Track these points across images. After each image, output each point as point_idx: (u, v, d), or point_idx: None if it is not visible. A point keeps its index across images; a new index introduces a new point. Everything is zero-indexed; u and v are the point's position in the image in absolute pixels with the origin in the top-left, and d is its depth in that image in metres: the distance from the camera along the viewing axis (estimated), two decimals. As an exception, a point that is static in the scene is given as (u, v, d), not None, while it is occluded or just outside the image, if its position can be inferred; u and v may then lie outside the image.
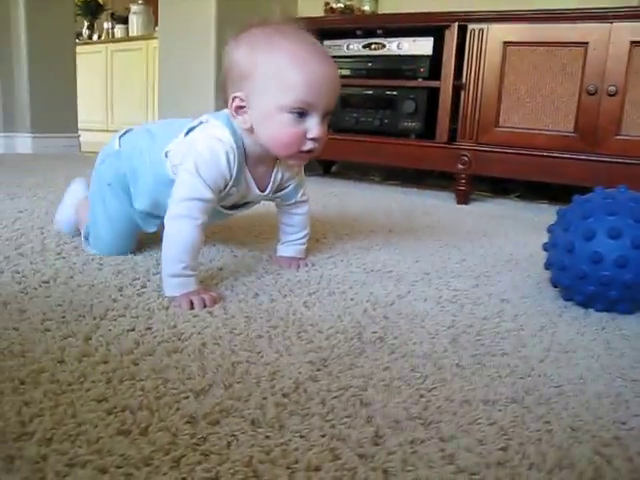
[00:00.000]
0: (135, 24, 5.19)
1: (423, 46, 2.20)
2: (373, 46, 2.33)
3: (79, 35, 5.24)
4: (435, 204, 2.08)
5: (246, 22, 0.90)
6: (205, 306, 0.83)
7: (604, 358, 0.73)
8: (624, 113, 1.90)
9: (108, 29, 5.58)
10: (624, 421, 0.58)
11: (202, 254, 1.10)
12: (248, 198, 1.01)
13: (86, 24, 5.65)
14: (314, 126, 0.86)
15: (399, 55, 2.25)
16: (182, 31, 2.77)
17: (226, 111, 0.92)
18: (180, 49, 2.79)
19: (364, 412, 0.56)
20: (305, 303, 0.87)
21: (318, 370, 0.65)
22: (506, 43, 2.03)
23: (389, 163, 2.33)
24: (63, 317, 0.76)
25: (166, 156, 0.95)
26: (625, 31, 1.85)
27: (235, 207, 1.03)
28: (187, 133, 0.94)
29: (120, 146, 1.04)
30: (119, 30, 5.44)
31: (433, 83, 2.15)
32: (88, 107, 5.04)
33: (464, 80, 2.10)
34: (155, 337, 0.72)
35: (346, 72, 2.38)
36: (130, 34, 5.25)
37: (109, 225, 1.05)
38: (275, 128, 0.87)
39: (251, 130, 0.89)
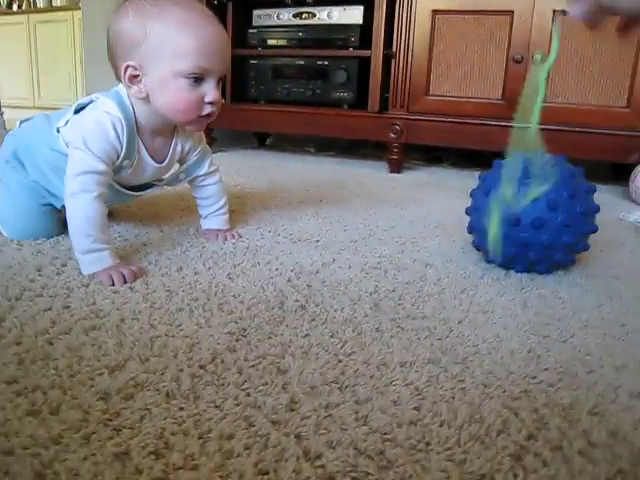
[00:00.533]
0: (58, -8, 4.96)
1: (353, 15, 2.18)
2: (304, 15, 2.29)
3: (-4, 4, 4.98)
4: (368, 174, 2.09)
5: None
6: (125, 281, 0.81)
7: (520, 317, 0.76)
8: (549, 81, 1.94)
9: (29, -2, 5.31)
10: (534, 375, 0.60)
11: (127, 230, 1.08)
12: (146, 174, 0.99)
13: (4, -8, 5.36)
14: (211, 90, 0.86)
15: (330, 24, 2.22)
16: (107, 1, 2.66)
17: (117, 88, 0.92)
18: (105, 20, 2.68)
19: (280, 379, 0.56)
20: (229, 275, 0.86)
21: (237, 340, 0.64)
22: (435, 11, 2.04)
23: (322, 134, 2.32)
24: (-26, 300, 0.73)
25: (58, 131, 0.94)
26: (548, 0, 1.89)
27: (139, 189, 1.02)
28: (77, 111, 0.93)
29: (19, 127, 1.03)
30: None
31: (364, 52, 2.14)
32: (12, 83, 4.82)
33: (394, 49, 2.09)
34: (72, 315, 0.70)
35: (277, 42, 2.35)
36: (53, 4, 5.01)
37: (13, 200, 1.01)
38: (172, 94, 0.86)
39: (147, 99, 0.88)
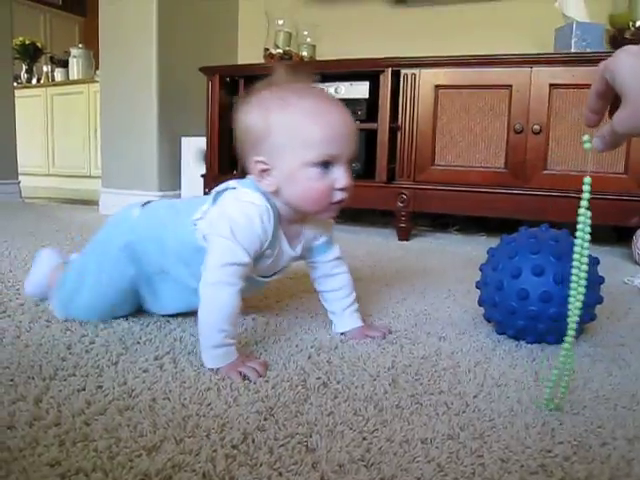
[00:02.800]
0: (75, 67, 5.17)
1: (360, 90, 2.29)
2: (312, 91, 2.40)
3: (17, 78, 5.18)
4: (378, 242, 2.14)
5: (253, 86, 0.90)
6: (260, 376, 0.81)
7: (533, 389, 0.79)
8: (549, 149, 2.02)
9: (47, 72, 5.53)
10: (549, 449, 0.63)
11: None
12: (282, 262, 0.97)
13: (24, 67, 5.58)
14: (341, 176, 0.85)
15: (337, 99, 2.32)
16: (123, 75, 2.79)
17: (250, 177, 0.91)
18: (121, 93, 2.81)
19: (309, 458, 0.59)
20: (251, 353, 0.90)
21: (265, 419, 0.68)
22: (437, 86, 2.14)
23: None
24: (11, 380, 0.76)
25: (194, 224, 0.92)
26: (544, 74, 1.99)
27: (268, 274, 0.99)
28: (215, 199, 0.92)
29: (139, 217, 1.00)
30: (59, 73, 5.39)
31: (371, 125, 2.23)
32: (28, 151, 4.97)
33: (400, 122, 2.19)
34: (106, 395, 0.73)
35: (286, 116, 2.45)
36: (70, 78, 5.22)
37: (98, 291, 0.99)
38: (302, 185, 0.85)
39: (277, 192, 0.88)
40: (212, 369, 0.82)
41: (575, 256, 0.70)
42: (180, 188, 2.85)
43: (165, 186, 2.80)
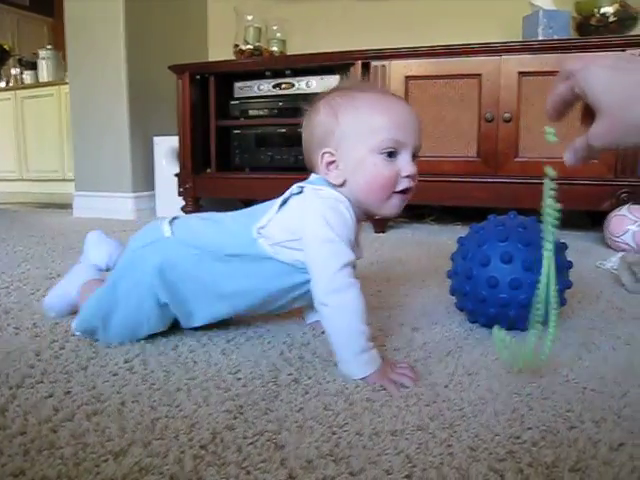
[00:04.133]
0: (45, 69, 5.08)
1: (330, 83, 2.27)
2: (283, 85, 2.40)
3: (-16, 83, 5.10)
4: (354, 235, 2.14)
5: (320, 93, 0.91)
6: (414, 380, 0.77)
7: (504, 377, 0.79)
8: (520, 137, 2.03)
9: (16, 75, 5.44)
10: (518, 435, 0.63)
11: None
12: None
13: (-9, 71, 5.50)
14: (406, 164, 0.85)
15: (308, 93, 2.33)
16: (92, 75, 2.76)
17: (314, 177, 0.91)
18: (91, 94, 2.78)
19: (278, 455, 0.59)
20: (223, 351, 0.89)
21: (235, 418, 0.67)
22: (408, 77, 2.15)
23: (307, 198, 2.39)
24: (-23, 390, 0.75)
25: (258, 233, 0.88)
26: (513, 63, 2.00)
27: None
28: (281, 206, 0.89)
29: (173, 233, 0.92)
30: (28, 76, 5.30)
31: (342, 119, 2.23)
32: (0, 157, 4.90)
33: (371, 114, 2.19)
34: (74, 401, 0.72)
35: (258, 112, 2.44)
36: (40, 80, 5.14)
37: (128, 315, 0.92)
38: (368, 172, 0.84)
39: (344, 185, 0.87)
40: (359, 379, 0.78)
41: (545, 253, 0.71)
42: (154, 188, 2.82)
43: (139, 187, 2.78)
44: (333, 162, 0.87)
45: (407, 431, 0.64)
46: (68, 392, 0.75)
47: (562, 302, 0.98)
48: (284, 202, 0.90)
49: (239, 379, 0.79)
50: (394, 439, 0.62)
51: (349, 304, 0.80)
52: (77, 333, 0.97)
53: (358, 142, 0.85)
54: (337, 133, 0.86)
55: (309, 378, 0.79)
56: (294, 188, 0.90)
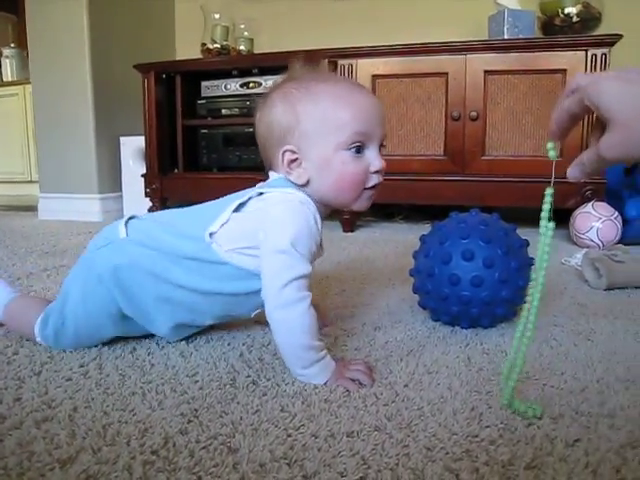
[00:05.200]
0: (8, 68, 4.98)
1: (298, 83, 2.27)
2: (250, 84, 2.38)
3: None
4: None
5: (272, 83, 0.86)
6: (374, 380, 0.77)
7: (464, 375, 0.79)
8: (486, 135, 2.04)
9: (-21, 74, 5.32)
10: (476, 434, 0.62)
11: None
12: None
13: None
14: (374, 158, 0.81)
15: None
16: (55, 75, 2.70)
17: (275, 176, 0.86)
18: (54, 94, 2.72)
19: (231, 459, 0.57)
20: (182, 353, 0.88)
21: (189, 422, 0.66)
22: (375, 76, 2.14)
23: (275, 198, 2.38)
24: None
25: (210, 238, 0.84)
26: (479, 61, 2.01)
27: None
28: (236, 210, 0.85)
29: (128, 235, 0.88)
30: (-10, 75, 5.20)
31: (310, 118, 2.22)
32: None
33: (339, 113, 2.18)
34: (24, 408, 0.70)
35: (226, 112, 2.42)
36: (4, 79, 5.03)
37: (84, 320, 0.88)
38: (337, 171, 0.80)
39: (308, 185, 0.83)
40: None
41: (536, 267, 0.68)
42: (121, 189, 2.78)
43: (105, 188, 2.73)
44: (295, 160, 0.82)
45: (364, 432, 0.63)
46: (18, 399, 0.72)
47: (524, 300, 0.97)
48: (241, 205, 0.85)
49: (196, 382, 0.77)
50: (350, 440, 0.61)
51: (295, 320, 0.76)
52: (45, 342, 0.91)
53: (323, 139, 0.80)
54: (297, 131, 0.81)
55: (267, 380, 0.77)
56: (253, 191, 0.85)
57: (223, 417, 0.67)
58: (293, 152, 0.82)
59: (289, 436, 0.62)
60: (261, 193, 0.85)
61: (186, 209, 0.93)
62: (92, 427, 0.65)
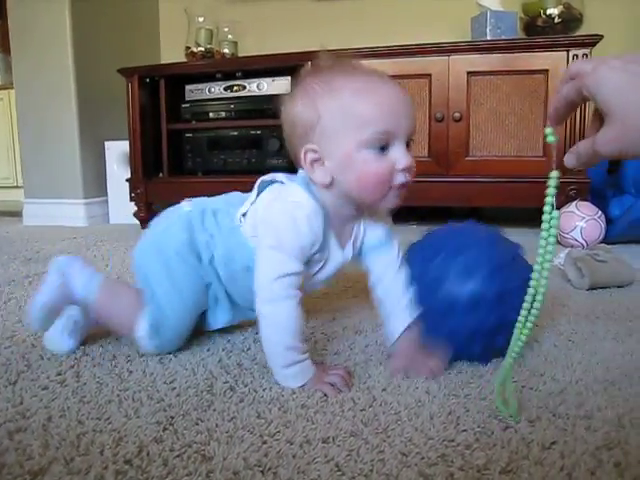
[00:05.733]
0: (-7, 73, 4.95)
1: (281, 85, 2.27)
2: (234, 88, 2.37)
3: None
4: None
5: (298, 76, 0.82)
6: (351, 385, 0.77)
7: (443, 378, 0.78)
8: (470, 136, 2.05)
9: (-37, 79, 5.27)
10: (452, 438, 0.62)
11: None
12: (329, 268, 0.87)
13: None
14: (401, 155, 0.75)
15: (260, 95, 2.31)
16: (38, 79, 2.66)
17: (301, 173, 0.84)
18: (38, 99, 2.68)
19: (204, 468, 0.57)
20: (161, 360, 0.87)
21: (164, 430, 0.65)
22: (358, 78, 2.14)
23: (260, 201, 2.37)
24: None
25: (243, 218, 0.87)
26: (462, 63, 2.01)
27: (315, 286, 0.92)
28: (259, 192, 0.86)
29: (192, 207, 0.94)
30: (-26, 80, 5.15)
31: (294, 120, 2.22)
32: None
33: (323, 116, 2.18)
34: (-3, 418, 0.69)
35: (210, 115, 2.41)
36: (-11, 84, 4.99)
37: (179, 301, 0.89)
38: (359, 170, 0.76)
39: (332, 184, 0.79)
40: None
41: (536, 267, 0.65)
42: (106, 194, 2.76)
43: (90, 193, 2.71)
44: (318, 160, 0.79)
45: (339, 438, 0.62)
46: (-8, 410, 0.71)
47: None
48: (264, 187, 0.86)
49: (173, 389, 0.76)
50: (325, 447, 0.60)
51: (281, 316, 0.77)
52: (149, 349, 0.90)
53: (343, 137, 0.76)
54: (319, 128, 0.77)
55: (245, 386, 0.77)
56: (278, 176, 0.85)
57: (199, 424, 0.66)
58: (314, 151, 0.78)
59: (264, 443, 0.62)
60: (282, 182, 0.85)
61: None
62: (66, 437, 0.64)
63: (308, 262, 0.82)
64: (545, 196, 0.61)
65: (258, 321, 0.79)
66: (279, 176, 0.85)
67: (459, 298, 0.81)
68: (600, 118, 0.57)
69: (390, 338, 0.87)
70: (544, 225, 0.62)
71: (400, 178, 0.76)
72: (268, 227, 0.80)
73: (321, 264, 0.85)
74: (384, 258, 0.90)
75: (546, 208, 0.62)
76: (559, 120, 0.63)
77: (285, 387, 0.76)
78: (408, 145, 0.78)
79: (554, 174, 0.60)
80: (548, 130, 0.62)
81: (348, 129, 0.75)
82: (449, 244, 0.88)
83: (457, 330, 0.81)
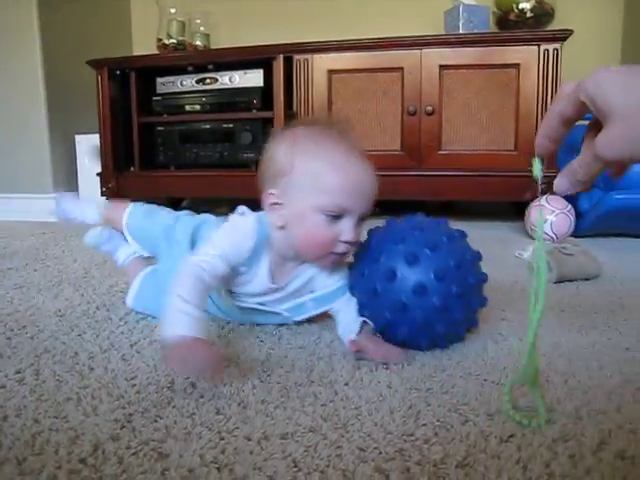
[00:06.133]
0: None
1: (254, 78, 2.25)
2: (207, 80, 2.35)
3: None
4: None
5: (297, 120, 0.92)
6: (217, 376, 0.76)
7: (406, 372, 0.79)
8: (442, 130, 2.05)
9: None
10: (411, 432, 0.62)
11: (13, 319, 1.06)
12: (255, 290, 0.93)
13: None
14: (348, 230, 0.84)
15: (232, 88, 2.29)
16: (4, 72, 2.61)
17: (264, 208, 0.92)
18: (4, 91, 2.63)
19: (159, 465, 0.56)
20: (123, 356, 0.86)
21: (122, 428, 0.64)
22: (330, 71, 2.13)
23: (232, 195, 2.35)
24: None
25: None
26: (434, 56, 2.02)
27: (263, 317, 0.98)
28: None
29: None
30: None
31: (266, 114, 2.20)
32: None
33: (295, 109, 2.17)
34: (-50, 419, 0.67)
35: (182, 108, 2.38)
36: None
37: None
38: (308, 228, 0.85)
39: (282, 228, 0.88)
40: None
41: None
42: (77, 189, 2.72)
43: (60, 187, 2.67)
44: (276, 204, 0.87)
45: (298, 433, 0.62)
46: (-55, 410, 0.70)
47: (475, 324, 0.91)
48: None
49: (134, 385, 0.75)
50: (283, 442, 0.60)
51: (185, 273, 0.83)
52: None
53: (305, 195, 0.84)
54: (287, 179, 0.85)
55: (206, 382, 0.76)
56: (239, 209, 0.95)
57: (157, 422, 0.65)
58: (276, 197, 0.87)
59: (222, 439, 0.61)
60: (243, 212, 0.95)
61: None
62: (20, 436, 0.63)
63: (235, 269, 0.90)
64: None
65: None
66: (244, 208, 0.95)
67: (408, 288, 0.83)
68: (596, 132, 0.54)
69: (347, 336, 0.88)
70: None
71: (341, 247, 0.86)
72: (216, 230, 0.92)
73: (247, 278, 0.92)
74: (339, 301, 0.94)
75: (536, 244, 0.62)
76: (552, 145, 0.59)
77: (245, 383, 0.75)
78: (363, 219, 0.87)
79: (539, 212, 0.59)
80: (537, 164, 0.59)
81: (311, 191, 0.83)
82: (388, 240, 0.90)
83: (415, 317, 0.83)
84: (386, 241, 0.88)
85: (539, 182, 0.59)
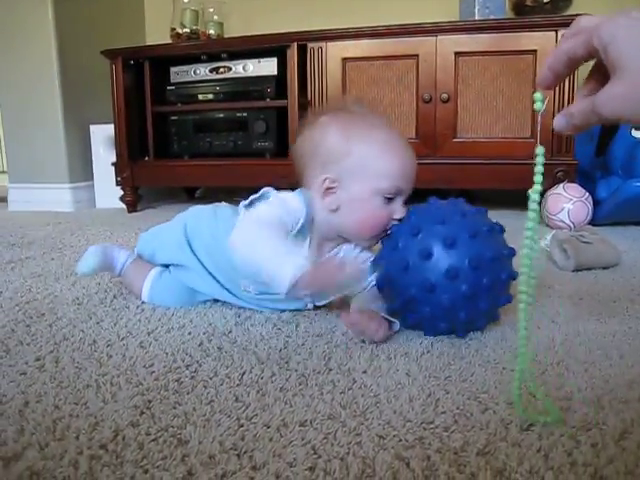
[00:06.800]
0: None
1: (268, 67, 2.24)
2: (220, 69, 2.34)
3: None
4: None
5: (327, 104, 0.92)
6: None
7: (424, 360, 0.78)
8: (458, 118, 2.03)
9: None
10: (431, 420, 0.62)
11: (32, 307, 1.06)
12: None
13: None
14: (399, 208, 0.91)
15: (246, 77, 2.28)
16: (20, 62, 2.60)
17: (300, 189, 0.95)
18: (20, 82, 2.63)
19: (180, 451, 0.56)
20: (141, 344, 0.86)
21: (141, 414, 0.64)
22: (344, 59, 2.12)
23: (247, 184, 2.34)
24: None
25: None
26: (449, 43, 2.00)
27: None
28: (248, 205, 0.94)
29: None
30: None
31: (280, 102, 2.19)
32: None
33: (309, 97, 2.16)
34: (-27, 405, 0.68)
35: (196, 97, 2.38)
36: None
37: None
38: (366, 210, 0.90)
39: (335, 211, 0.91)
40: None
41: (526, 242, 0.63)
42: (93, 178, 2.73)
43: (76, 177, 2.68)
44: (332, 188, 0.90)
45: (317, 421, 0.62)
46: (-34, 396, 0.70)
47: (508, 299, 0.88)
48: (253, 202, 0.94)
49: (152, 372, 0.76)
50: (302, 430, 0.60)
51: (253, 229, 0.85)
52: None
53: (364, 181, 0.88)
54: (345, 164, 0.88)
55: (226, 368, 0.76)
56: (267, 190, 0.94)
57: (176, 408, 0.65)
58: (332, 181, 0.90)
59: (241, 426, 0.61)
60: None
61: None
62: (42, 422, 0.63)
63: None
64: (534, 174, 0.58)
65: (235, 254, 0.84)
66: (268, 190, 0.94)
67: (440, 270, 0.81)
68: (598, 78, 0.52)
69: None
70: (531, 204, 0.60)
71: (389, 224, 0.91)
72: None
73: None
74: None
75: (535, 188, 0.60)
76: (554, 80, 0.56)
77: (264, 370, 0.75)
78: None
79: (540, 150, 0.57)
80: (539, 95, 0.56)
81: (371, 175, 0.88)
82: (428, 219, 0.87)
83: (440, 300, 0.82)
84: (426, 220, 0.87)
85: (539, 116, 0.57)
